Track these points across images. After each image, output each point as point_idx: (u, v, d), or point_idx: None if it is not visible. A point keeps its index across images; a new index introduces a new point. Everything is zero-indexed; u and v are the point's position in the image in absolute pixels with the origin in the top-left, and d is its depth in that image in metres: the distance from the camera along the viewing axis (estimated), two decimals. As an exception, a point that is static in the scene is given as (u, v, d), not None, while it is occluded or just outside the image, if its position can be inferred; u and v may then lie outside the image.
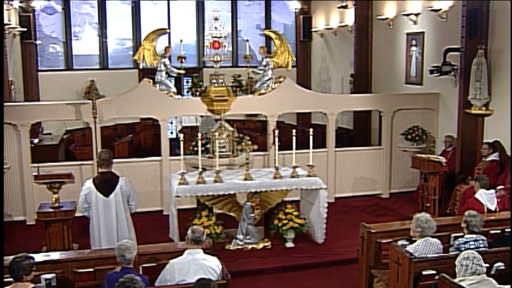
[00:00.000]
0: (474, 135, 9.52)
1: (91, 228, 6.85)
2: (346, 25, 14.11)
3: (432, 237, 5.71)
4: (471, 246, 5.53)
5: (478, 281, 4.70)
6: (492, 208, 7.25)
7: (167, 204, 8.93)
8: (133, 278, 4.26)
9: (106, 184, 6.70)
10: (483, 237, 5.72)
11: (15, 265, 4.67)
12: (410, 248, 5.65)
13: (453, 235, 6.23)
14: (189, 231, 5.25)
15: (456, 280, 4.79)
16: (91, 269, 5.59)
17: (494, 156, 9.07)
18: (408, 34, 11.66)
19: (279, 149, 8.41)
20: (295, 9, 16.63)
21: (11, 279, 4.74)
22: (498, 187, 8.30)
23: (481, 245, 5.62)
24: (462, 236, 5.79)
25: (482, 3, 9.19)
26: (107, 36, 16.80)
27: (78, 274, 5.50)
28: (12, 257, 4.77)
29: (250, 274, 7.30)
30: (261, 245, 8.15)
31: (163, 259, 5.56)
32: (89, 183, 6.78)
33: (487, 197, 7.26)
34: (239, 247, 8.07)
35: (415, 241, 5.76)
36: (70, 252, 6.72)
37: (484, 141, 9.36)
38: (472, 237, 5.65)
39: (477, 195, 7.35)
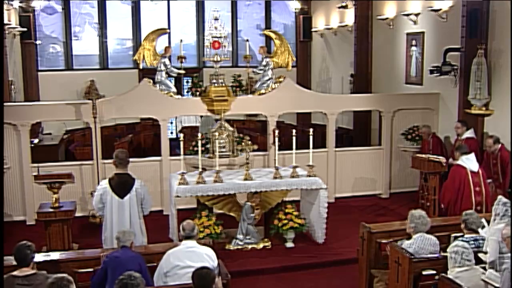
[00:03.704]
0: (474, 135, 9.53)
1: (104, 230, 6.77)
2: (346, 25, 14.11)
3: (427, 233, 5.77)
4: (471, 246, 5.53)
5: (465, 270, 4.86)
6: (475, 169, 7.65)
7: (167, 204, 8.93)
8: (131, 274, 4.31)
9: (122, 186, 6.65)
10: (483, 237, 5.70)
11: (23, 251, 4.81)
12: (405, 244, 5.71)
13: (453, 235, 6.21)
14: (180, 228, 5.50)
15: (448, 273, 4.94)
16: (91, 269, 5.60)
17: (468, 134, 9.15)
18: (408, 34, 11.66)
19: (279, 149, 8.41)
20: (295, 9, 16.63)
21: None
22: (489, 180, 8.31)
23: (481, 245, 5.61)
24: (462, 236, 5.80)
25: (482, 3, 9.20)
26: (107, 36, 16.82)
27: (78, 274, 5.50)
28: (19, 244, 4.89)
29: (250, 274, 7.30)
30: (261, 245, 8.15)
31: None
32: (105, 183, 6.73)
33: (468, 161, 7.67)
34: (239, 247, 8.07)
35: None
36: (70, 252, 6.72)
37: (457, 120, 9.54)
38: (472, 237, 5.66)
39: (459, 162, 7.76)
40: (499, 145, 8.58)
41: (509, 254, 4.68)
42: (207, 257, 5.31)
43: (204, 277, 4.44)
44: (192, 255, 5.28)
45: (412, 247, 5.64)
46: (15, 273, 4.83)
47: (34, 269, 4.86)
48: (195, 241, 5.47)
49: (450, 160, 9.17)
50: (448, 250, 5.06)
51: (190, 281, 4.58)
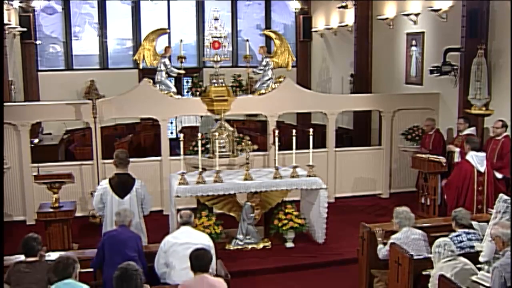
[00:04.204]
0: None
1: (104, 230, 6.71)
2: (346, 25, 14.11)
3: (414, 227, 5.98)
4: (463, 239, 5.71)
5: (449, 260, 5.00)
6: (482, 170, 7.63)
7: (167, 204, 8.93)
8: (129, 263, 4.44)
9: (122, 186, 6.66)
10: (475, 231, 5.84)
11: (30, 243, 5.01)
12: (392, 238, 5.86)
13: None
14: (178, 216, 5.79)
15: (433, 271, 5.05)
16: (91, 269, 5.60)
17: (470, 130, 9.12)
18: (408, 34, 11.66)
19: (279, 149, 8.41)
20: (295, 9, 16.63)
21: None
22: (499, 175, 8.29)
23: (473, 237, 5.75)
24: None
25: (482, 3, 9.20)
26: (107, 36, 16.81)
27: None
28: (26, 236, 5.10)
29: (250, 274, 7.30)
30: (261, 245, 8.15)
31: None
32: (105, 183, 6.75)
33: (477, 159, 7.62)
34: (239, 247, 8.06)
35: None
36: (70, 252, 6.71)
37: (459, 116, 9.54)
38: (464, 231, 5.81)
39: (467, 157, 7.71)
40: (505, 132, 8.54)
41: (500, 254, 4.72)
42: (203, 238, 5.61)
43: (202, 258, 4.69)
44: (189, 235, 5.60)
45: (399, 239, 5.81)
46: (20, 259, 5.05)
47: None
48: (191, 227, 5.74)
49: (450, 146, 9.17)
50: (432, 250, 5.20)
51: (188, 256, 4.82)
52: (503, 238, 4.62)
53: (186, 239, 5.50)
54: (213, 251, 5.45)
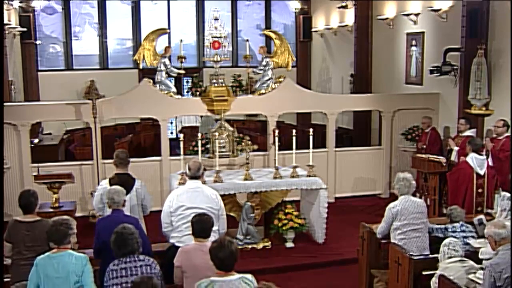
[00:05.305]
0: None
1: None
2: (346, 25, 14.11)
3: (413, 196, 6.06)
4: (457, 230, 5.85)
5: (455, 261, 5.01)
6: (481, 172, 7.60)
7: (167, 204, 8.92)
8: (124, 225, 4.44)
9: (122, 186, 6.61)
10: (468, 225, 5.97)
11: (28, 198, 5.12)
12: (390, 205, 5.94)
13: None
14: (186, 168, 5.75)
15: (438, 271, 5.05)
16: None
17: (470, 132, 9.11)
18: (408, 34, 11.66)
19: (279, 149, 8.41)
20: (295, 9, 16.63)
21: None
22: None
23: (467, 229, 5.88)
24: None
25: (482, 3, 9.21)
26: (107, 36, 16.81)
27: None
28: (23, 191, 5.28)
29: (249, 274, 7.28)
30: (261, 245, 8.15)
31: (162, 259, 5.57)
32: (105, 183, 6.68)
33: (477, 162, 7.58)
34: (239, 247, 8.00)
35: None
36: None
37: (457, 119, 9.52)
38: (460, 224, 5.95)
39: (468, 159, 7.67)
40: (506, 133, 8.44)
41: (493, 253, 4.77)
42: (212, 199, 5.55)
43: (202, 224, 4.73)
44: (196, 196, 5.54)
45: (396, 208, 5.88)
46: (19, 218, 5.04)
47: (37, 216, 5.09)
48: (200, 182, 5.67)
49: (450, 141, 9.17)
50: (440, 250, 5.25)
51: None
52: (495, 237, 4.65)
53: (193, 202, 5.45)
54: (222, 211, 5.53)
